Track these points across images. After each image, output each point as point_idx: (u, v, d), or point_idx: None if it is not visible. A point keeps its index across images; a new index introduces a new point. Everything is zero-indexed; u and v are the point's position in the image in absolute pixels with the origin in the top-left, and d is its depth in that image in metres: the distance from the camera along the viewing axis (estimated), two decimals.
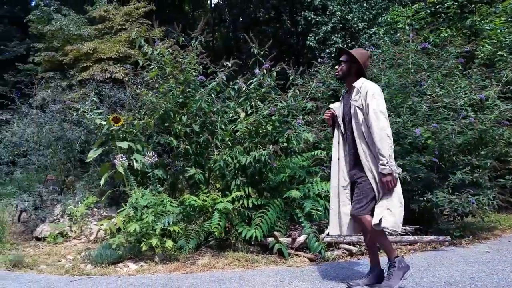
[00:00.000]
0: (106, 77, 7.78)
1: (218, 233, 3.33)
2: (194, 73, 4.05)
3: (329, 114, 2.76)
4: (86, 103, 4.60)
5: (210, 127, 4.01)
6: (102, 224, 3.68)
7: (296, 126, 3.75)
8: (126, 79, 5.58)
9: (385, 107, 2.48)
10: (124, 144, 3.80)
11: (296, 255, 3.42)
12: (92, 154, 3.95)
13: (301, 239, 3.43)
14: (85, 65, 8.71)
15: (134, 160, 3.80)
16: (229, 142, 3.97)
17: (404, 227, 3.51)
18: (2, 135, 5.40)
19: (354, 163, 2.56)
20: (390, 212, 2.36)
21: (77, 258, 3.46)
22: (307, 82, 4.65)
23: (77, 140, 4.88)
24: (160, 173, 3.88)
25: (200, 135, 3.91)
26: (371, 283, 2.48)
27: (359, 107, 2.50)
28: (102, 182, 3.89)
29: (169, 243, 3.21)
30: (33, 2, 19.57)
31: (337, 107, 2.76)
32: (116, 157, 3.54)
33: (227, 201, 3.45)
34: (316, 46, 10.89)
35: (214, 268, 3.14)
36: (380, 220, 2.33)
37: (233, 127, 4.03)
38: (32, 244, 4.07)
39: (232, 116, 4.18)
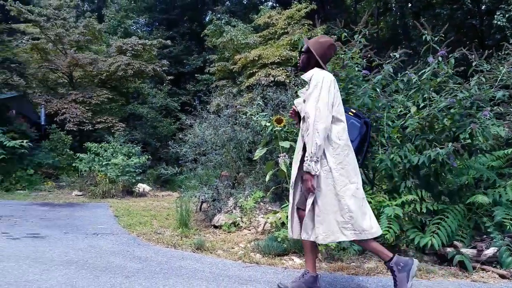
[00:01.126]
0: (270, 81, 8.55)
1: (389, 238, 3.24)
2: (356, 68, 4.08)
3: (291, 111, 2.69)
4: (253, 106, 5.26)
5: (374, 124, 3.97)
6: (268, 218, 4.14)
7: (482, 119, 3.31)
8: (288, 81, 6.01)
9: (326, 100, 2.31)
10: (286, 144, 4.14)
11: (483, 269, 3.06)
12: (258, 153, 4.44)
13: (489, 252, 3.06)
14: (251, 71, 9.77)
15: None
16: (397, 140, 3.84)
17: None
18: (187, 137, 6.59)
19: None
20: (318, 220, 2.31)
21: (248, 246, 3.99)
22: (495, 67, 4.03)
23: (245, 141, 5.61)
24: None
25: None
26: None
27: (304, 100, 2.38)
28: (267, 178, 4.36)
29: (332, 243, 3.35)
30: (207, 18, 23.10)
31: (301, 103, 2.55)
32: (279, 156, 3.92)
33: (396, 205, 3.36)
34: (506, 25, 9.44)
35: (381, 274, 3.11)
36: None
37: (402, 123, 3.87)
38: (211, 231, 4.89)
39: (401, 111, 4.01)
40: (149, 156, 10.51)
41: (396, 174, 3.62)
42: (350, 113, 2.78)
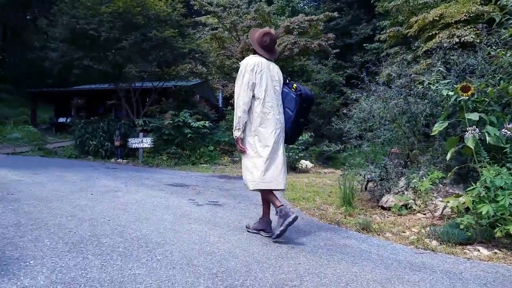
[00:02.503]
0: (454, 42, 7.46)
1: None
2: None
3: None
4: (432, 74, 4.64)
5: None
6: (448, 202, 3.64)
7: None
8: (478, 41, 5.13)
9: (245, 81, 3.11)
10: (474, 116, 3.53)
11: None
12: (438, 127, 3.92)
13: None
14: (430, 33, 8.77)
15: (486, 133, 3.46)
16: None
17: None
18: (352, 112, 6.38)
19: None
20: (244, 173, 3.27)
21: (422, 232, 3.62)
22: None
23: (421, 114, 5.03)
24: None
25: None
26: (257, 228, 3.38)
27: None
28: (448, 157, 3.81)
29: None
30: None
31: None
32: (467, 129, 3.36)
33: None
34: None
35: None
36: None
37: None
38: (378, 212, 4.65)
39: None
40: (312, 133, 10.75)
41: None
42: (292, 88, 3.36)
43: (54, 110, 22.06)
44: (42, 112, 22.95)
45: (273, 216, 3.31)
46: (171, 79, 15.29)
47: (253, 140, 3.20)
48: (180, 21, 13.18)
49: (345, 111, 6.77)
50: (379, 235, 3.66)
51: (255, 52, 3.35)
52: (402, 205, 4.46)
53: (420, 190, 4.03)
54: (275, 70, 3.39)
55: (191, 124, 11.52)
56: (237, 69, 17.36)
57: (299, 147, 10.00)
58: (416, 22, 9.44)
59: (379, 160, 5.37)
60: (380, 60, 7.34)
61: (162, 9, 12.23)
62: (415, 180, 4.23)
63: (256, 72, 3.17)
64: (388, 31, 11.33)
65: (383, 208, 4.74)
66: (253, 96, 3.19)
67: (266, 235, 3.28)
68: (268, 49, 3.36)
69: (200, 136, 12.32)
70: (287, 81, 3.49)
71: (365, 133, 5.94)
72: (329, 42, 15.33)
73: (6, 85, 28.78)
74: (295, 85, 3.37)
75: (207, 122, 11.81)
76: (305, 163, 10.77)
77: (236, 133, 3.20)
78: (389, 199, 4.68)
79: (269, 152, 3.14)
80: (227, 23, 16.40)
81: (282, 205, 3.17)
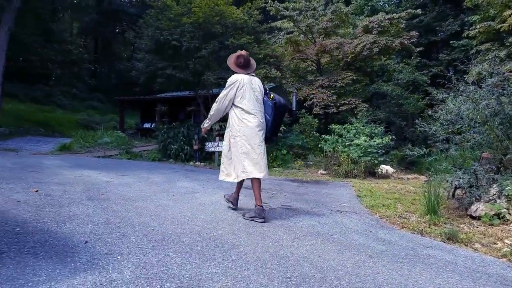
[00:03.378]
0: None
1: None
2: None
3: None
4: None
5: None
6: None
7: None
8: None
9: (222, 94, 4.12)
10: None
11: None
12: None
13: None
14: None
15: None
16: None
17: None
18: (438, 113, 6.07)
19: None
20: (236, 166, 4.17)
21: None
22: None
23: None
24: None
25: None
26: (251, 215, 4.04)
27: None
28: None
29: None
30: None
31: None
32: None
33: None
34: None
35: None
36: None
37: None
38: (466, 221, 4.38)
39: None
40: (393, 136, 10.35)
41: None
42: (270, 98, 4.22)
43: (140, 116, 24.16)
44: (129, 118, 25.21)
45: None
46: None
47: (241, 140, 4.04)
48: (256, 28, 13.59)
49: (430, 112, 6.47)
50: (466, 246, 3.50)
51: (233, 72, 4.29)
52: (493, 215, 4.18)
53: None
54: (256, 83, 4.25)
55: None
56: (311, 71, 17.42)
57: (379, 151, 9.68)
58: (510, 15, 8.68)
59: (468, 165, 5.04)
60: (469, 57, 6.88)
61: (239, 17, 12.73)
62: (509, 187, 3.94)
63: (238, 88, 4.09)
64: (478, 26, 10.51)
65: (472, 217, 4.47)
66: (241, 107, 4.09)
67: (260, 221, 3.93)
68: (244, 67, 4.27)
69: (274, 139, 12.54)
70: (267, 91, 4.31)
71: (453, 136, 5.64)
72: (412, 40, 14.67)
73: (98, 94, 32.13)
74: (272, 95, 4.25)
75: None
76: (385, 168, 10.42)
77: (205, 125, 4.46)
78: (479, 208, 4.39)
79: (254, 149, 4.02)
80: (303, 26, 16.52)
81: (237, 197, 4.54)
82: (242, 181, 4.27)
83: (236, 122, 4.09)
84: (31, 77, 25.96)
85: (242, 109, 4.08)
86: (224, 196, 4.79)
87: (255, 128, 4.05)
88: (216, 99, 4.20)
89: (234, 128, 4.10)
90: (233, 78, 4.15)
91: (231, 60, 4.36)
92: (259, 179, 4.08)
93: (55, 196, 4.48)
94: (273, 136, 4.42)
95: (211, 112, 4.26)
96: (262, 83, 4.36)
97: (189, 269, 2.43)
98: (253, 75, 4.33)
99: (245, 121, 4.05)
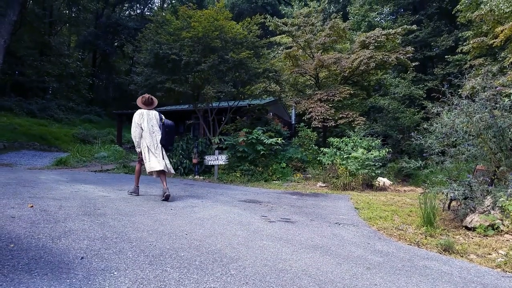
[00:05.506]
0: None
1: None
2: None
3: None
4: None
5: None
6: None
7: None
8: None
9: (136, 122, 6.27)
10: None
11: None
12: None
13: None
14: None
15: None
16: None
17: None
18: (433, 127, 6.18)
19: None
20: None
21: (510, 254, 3.48)
22: None
23: (509, 128, 4.82)
24: None
25: None
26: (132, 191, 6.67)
27: None
28: None
29: None
30: None
31: None
32: None
33: None
34: None
35: None
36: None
37: None
38: (461, 232, 4.48)
39: None
40: (390, 149, 10.50)
41: None
42: (161, 121, 6.44)
43: None
44: (127, 132, 25.20)
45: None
46: (246, 98, 16.01)
47: (145, 150, 6.31)
48: (256, 42, 13.83)
49: (426, 125, 6.60)
50: (462, 256, 3.58)
51: (140, 107, 6.48)
52: (488, 226, 4.28)
53: (508, 209, 3.87)
54: (152, 114, 6.45)
55: (264, 141, 11.92)
56: (310, 86, 17.71)
57: (376, 164, 9.82)
58: (502, 31, 8.91)
59: (463, 177, 5.16)
60: (462, 72, 7.06)
61: (238, 32, 12.95)
62: (502, 198, 4.06)
63: (142, 117, 6.33)
64: (471, 42, 10.77)
65: (467, 228, 4.58)
66: (142, 129, 6.30)
67: (134, 195, 6.45)
68: (146, 104, 6.50)
69: (273, 153, 12.68)
70: (162, 118, 6.50)
71: (448, 148, 5.76)
72: (408, 55, 14.98)
73: (95, 107, 32.19)
74: (163, 120, 6.47)
75: (279, 139, 12.14)
76: (382, 181, 10.53)
77: (137, 150, 6.43)
78: (473, 219, 4.51)
79: (152, 155, 6.31)
80: (301, 41, 16.83)
81: (137, 187, 6.61)
82: (139, 174, 6.66)
83: (140, 139, 6.35)
84: (27, 90, 26.02)
85: (144, 131, 6.31)
86: (127, 191, 6.81)
87: (149, 142, 6.29)
88: (132, 129, 6.34)
89: (140, 143, 6.35)
90: (137, 112, 6.35)
91: (139, 101, 6.51)
92: (141, 173, 6.69)
93: (50, 211, 4.43)
94: (167, 144, 6.49)
95: (135, 139, 6.37)
96: (159, 114, 6.55)
97: (187, 284, 2.44)
98: (152, 109, 6.50)
99: (143, 139, 6.33)
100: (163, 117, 6.62)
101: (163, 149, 6.38)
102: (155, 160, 6.24)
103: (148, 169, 6.29)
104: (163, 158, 6.30)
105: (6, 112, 21.90)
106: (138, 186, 6.61)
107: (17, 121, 20.82)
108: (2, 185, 6.59)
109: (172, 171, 6.49)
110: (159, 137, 6.35)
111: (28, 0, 23.99)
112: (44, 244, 3.08)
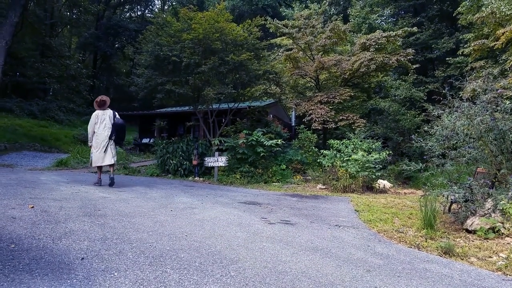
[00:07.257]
0: None
1: None
2: None
3: None
4: None
5: None
6: None
7: None
8: None
9: (92, 122, 7.77)
10: None
11: None
12: None
13: None
14: None
15: None
16: None
17: None
18: (434, 129, 6.17)
19: None
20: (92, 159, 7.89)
21: (511, 257, 3.47)
22: None
23: (510, 131, 4.81)
24: None
25: None
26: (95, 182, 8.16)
27: None
28: None
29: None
30: None
31: None
32: None
33: None
34: None
35: None
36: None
37: None
38: (462, 235, 4.47)
39: None
40: (390, 152, 10.49)
41: None
42: (113, 120, 7.83)
43: (139, 131, 24.25)
44: (128, 133, 25.20)
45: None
46: (246, 100, 16.02)
47: (96, 145, 7.70)
48: (256, 44, 13.83)
49: (426, 128, 6.59)
50: (462, 259, 3.57)
51: (96, 109, 7.86)
52: (488, 228, 4.28)
53: (509, 212, 3.86)
54: (106, 114, 7.77)
55: (264, 143, 11.90)
56: (310, 88, 17.76)
57: (376, 166, 9.81)
58: (503, 34, 8.90)
59: (464, 180, 5.14)
60: (463, 75, 7.05)
61: (239, 34, 12.96)
62: (503, 201, 4.05)
63: (97, 117, 7.70)
64: (472, 44, 10.78)
65: (467, 231, 4.57)
66: (96, 130, 7.69)
67: (97, 185, 7.73)
68: (100, 106, 7.76)
69: (273, 154, 12.66)
70: (115, 115, 7.79)
71: (448, 151, 5.75)
72: (409, 57, 14.99)
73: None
74: (115, 119, 7.77)
75: (279, 140, 12.12)
76: (382, 183, 10.52)
77: (89, 143, 7.87)
78: (474, 222, 4.49)
79: (100, 150, 7.69)
80: (302, 43, 16.84)
81: (100, 179, 7.95)
82: (101, 166, 7.90)
83: (94, 135, 7.77)
84: (28, 91, 26.04)
85: (97, 128, 7.71)
86: (94, 183, 8.10)
87: (101, 139, 7.70)
88: (88, 127, 7.84)
89: (94, 140, 7.76)
90: (93, 113, 7.73)
91: (95, 103, 7.82)
92: (102, 166, 7.94)
93: (51, 212, 4.46)
94: (119, 140, 7.91)
95: (89, 136, 7.85)
96: (113, 113, 7.81)
97: (187, 285, 2.45)
98: (106, 109, 7.80)
99: (95, 137, 7.73)
100: (117, 115, 7.87)
101: (110, 143, 7.74)
102: (99, 156, 7.72)
103: (94, 164, 7.74)
104: (109, 152, 7.76)
105: (7, 113, 21.91)
106: (100, 178, 7.98)
107: (18, 122, 20.83)
108: (3, 186, 6.62)
109: (111, 163, 7.86)
110: (109, 133, 7.71)
111: (29, 1, 23.99)
112: (44, 244, 3.10)
